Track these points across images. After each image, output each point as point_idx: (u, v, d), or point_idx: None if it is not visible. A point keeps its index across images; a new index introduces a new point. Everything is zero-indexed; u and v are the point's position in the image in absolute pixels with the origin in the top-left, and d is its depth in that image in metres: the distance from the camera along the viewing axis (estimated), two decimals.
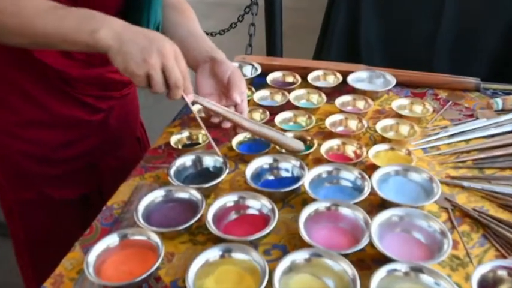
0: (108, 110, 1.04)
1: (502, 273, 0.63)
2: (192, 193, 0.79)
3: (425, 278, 0.62)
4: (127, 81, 1.04)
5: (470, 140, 0.95)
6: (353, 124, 1.00)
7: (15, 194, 1.03)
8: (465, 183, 0.83)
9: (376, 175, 0.81)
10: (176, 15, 1.01)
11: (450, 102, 1.08)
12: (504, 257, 0.69)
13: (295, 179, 0.84)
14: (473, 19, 1.71)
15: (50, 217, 1.05)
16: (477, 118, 1.01)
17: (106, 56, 0.73)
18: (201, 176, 0.87)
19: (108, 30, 0.71)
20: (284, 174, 0.86)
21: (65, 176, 1.03)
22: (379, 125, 0.97)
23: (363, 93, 1.09)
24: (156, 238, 0.69)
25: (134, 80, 0.74)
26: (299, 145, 0.90)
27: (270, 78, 1.16)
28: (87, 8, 0.75)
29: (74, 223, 1.04)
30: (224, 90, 0.88)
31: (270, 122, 1.01)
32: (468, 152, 0.92)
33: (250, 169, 0.85)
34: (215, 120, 0.88)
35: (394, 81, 1.11)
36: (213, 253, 0.67)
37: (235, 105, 0.87)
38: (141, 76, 0.72)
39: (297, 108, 1.05)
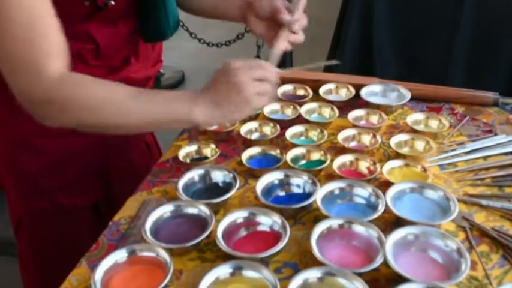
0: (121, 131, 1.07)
1: None
2: (201, 208, 0.81)
3: None
4: (149, 78, 1.07)
5: (488, 156, 0.96)
6: (366, 139, 1.01)
7: (26, 204, 1.06)
8: (484, 202, 0.84)
9: (391, 192, 0.83)
10: None
11: (467, 118, 1.09)
12: None
13: (307, 195, 0.85)
14: (492, 28, 1.73)
15: (59, 226, 1.08)
16: (496, 134, 1.02)
17: (125, 55, 0.85)
18: (210, 191, 0.89)
19: (199, 108, 0.78)
20: (295, 190, 0.88)
21: (76, 183, 1.06)
22: (394, 141, 0.99)
23: (377, 107, 1.11)
24: (164, 255, 0.71)
25: None
26: None
27: (280, 91, 1.18)
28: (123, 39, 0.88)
29: (83, 232, 1.08)
30: (274, 21, 0.92)
31: (281, 137, 1.03)
32: (487, 169, 0.93)
33: (260, 184, 0.87)
34: None
35: (408, 96, 1.13)
36: (223, 270, 0.68)
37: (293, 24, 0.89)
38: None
39: (308, 122, 1.07)
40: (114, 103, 0.80)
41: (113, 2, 0.88)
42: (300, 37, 0.92)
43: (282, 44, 0.90)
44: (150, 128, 0.88)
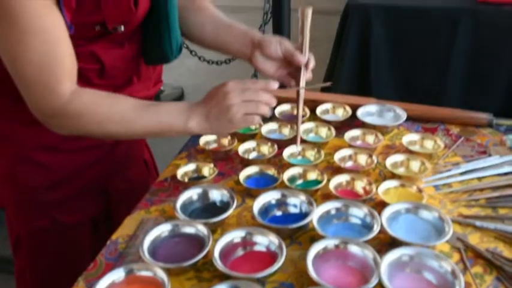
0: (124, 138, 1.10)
1: None
2: (198, 228, 0.81)
3: None
4: (149, 97, 1.09)
5: (483, 177, 0.97)
6: (362, 159, 1.03)
7: (26, 222, 1.07)
8: (478, 223, 0.85)
9: (386, 213, 0.84)
10: (198, 15, 1.08)
11: (462, 138, 1.11)
12: None
13: (304, 215, 0.86)
14: (486, 50, 1.76)
15: (58, 244, 1.09)
16: (490, 155, 1.04)
17: (128, 76, 0.96)
18: (207, 210, 0.90)
19: (194, 121, 0.88)
20: (292, 210, 0.89)
21: (76, 200, 1.08)
22: (389, 161, 1.00)
23: (373, 127, 1.13)
24: (162, 274, 0.71)
25: None
26: None
27: (278, 110, 1.20)
28: (127, 60, 0.97)
29: (81, 249, 1.09)
30: (286, 62, 0.99)
31: (278, 156, 1.05)
32: (481, 190, 0.94)
33: (257, 204, 0.88)
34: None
35: (404, 116, 1.14)
36: None
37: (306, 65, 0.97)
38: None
39: (305, 142, 1.09)
40: (119, 117, 0.88)
41: (122, 28, 0.90)
42: (310, 74, 0.99)
43: (303, 84, 0.97)
44: (150, 136, 0.97)
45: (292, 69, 1.00)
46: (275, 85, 0.92)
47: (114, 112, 0.88)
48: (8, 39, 0.80)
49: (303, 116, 1.18)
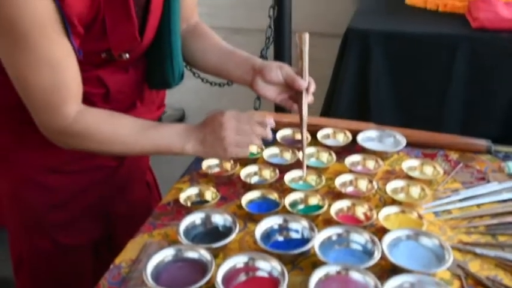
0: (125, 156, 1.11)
1: None
2: (201, 253, 0.82)
3: None
4: (154, 120, 1.11)
5: (482, 204, 0.98)
6: (363, 185, 1.04)
7: (29, 243, 1.07)
8: (478, 250, 0.86)
9: (387, 239, 0.85)
10: (200, 42, 1.11)
11: (461, 164, 1.12)
12: None
13: (305, 240, 0.87)
14: (484, 78, 1.79)
15: (60, 265, 1.10)
16: (489, 181, 1.05)
17: (132, 100, 1.01)
18: (210, 234, 0.90)
19: (190, 144, 0.93)
20: (294, 235, 0.90)
21: (78, 222, 1.09)
22: (389, 187, 1.01)
23: (373, 153, 1.14)
24: None
25: None
26: None
27: (279, 135, 1.21)
28: (132, 85, 1.01)
29: (83, 271, 1.10)
30: (286, 86, 1.02)
31: (280, 181, 1.06)
32: (480, 217, 0.95)
33: (259, 229, 0.88)
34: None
35: (404, 142, 1.16)
36: None
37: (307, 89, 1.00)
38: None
39: (306, 166, 1.09)
40: (120, 138, 0.93)
41: (127, 55, 0.92)
42: (312, 98, 1.02)
43: (305, 108, 1.00)
44: (150, 154, 1.05)
45: (293, 93, 1.02)
46: (271, 121, 0.95)
47: (116, 133, 0.93)
48: (20, 63, 0.83)
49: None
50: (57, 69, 0.84)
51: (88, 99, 0.94)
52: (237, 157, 0.97)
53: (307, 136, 1.19)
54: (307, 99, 1.00)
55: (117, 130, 0.93)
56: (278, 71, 1.00)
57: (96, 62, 0.93)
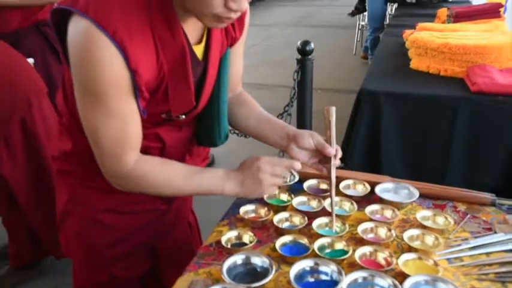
0: (174, 198, 1.15)
1: None
2: None
3: None
4: None
5: (491, 253, 0.99)
6: (382, 232, 1.05)
7: (89, 276, 1.10)
8: None
9: (407, 284, 0.85)
10: (242, 109, 1.16)
11: (469, 215, 1.13)
12: None
13: (334, 282, 0.88)
14: (483, 136, 1.80)
15: None
16: (495, 232, 1.05)
17: (182, 153, 1.09)
18: (249, 274, 0.92)
19: (229, 186, 0.99)
20: (323, 277, 0.91)
21: (130, 257, 1.12)
22: (406, 235, 1.02)
23: (389, 203, 1.16)
24: None
25: None
26: None
27: (306, 184, 1.24)
28: (184, 141, 1.07)
29: None
30: (316, 151, 1.07)
31: (308, 226, 1.07)
32: (490, 265, 0.95)
33: (293, 271, 0.90)
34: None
35: (417, 194, 1.17)
36: None
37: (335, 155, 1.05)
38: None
39: (330, 214, 1.11)
40: (169, 183, 0.98)
41: (183, 117, 0.98)
42: (339, 162, 1.06)
43: (333, 171, 1.05)
44: (195, 195, 1.08)
45: (322, 157, 1.06)
46: (299, 166, 1.00)
47: (167, 179, 0.97)
48: (94, 116, 0.89)
49: (327, 191, 1.22)
50: (123, 123, 0.90)
51: (147, 152, 0.99)
52: (268, 194, 1.04)
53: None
54: (335, 164, 1.04)
55: (168, 176, 0.97)
56: (310, 138, 1.05)
57: (156, 121, 0.99)
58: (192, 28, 0.92)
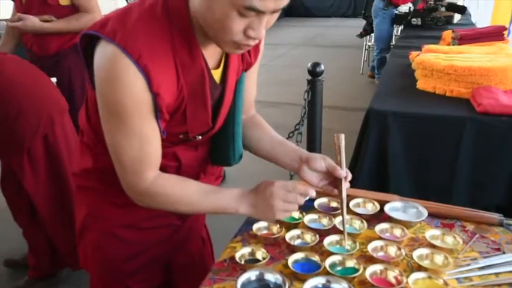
0: (188, 215, 1.15)
1: None
2: None
3: None
4: None
5: (500, 273, 0.97)
6: (392, 251, 1.04)
7: None
8: None
9: None
10: (256, 132, 1.17)
11: (477, 235, 1.11)
12: None
13: None
14: (488, 155, 1.79)
15: None
16: (504, 252, 1.04)
17: (197, 172, 1.09)
18: None
19: (243, 207, 0.99)
20: None
21: (146, 270, 1.12)
22: (416, 254, 1.01)
23: (398, 221, 1.15)
24: None
25: None
26: None
27: (317, 203, 1.24)
28: (199, 160, 1.07)
29: None
30: (327, 174, 1.07)
31: (319, 243, 1.07)
32: (499, 285, 0.93)
33: None
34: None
35: (426, 213, 1.16)
36: None
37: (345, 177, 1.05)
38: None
39: (341, 232, 1.11)
40: (186, 200, 0.98)
41: (200, 137, 0.99)
42: (349, 184, 1.06)
43: (344, 192, 1.05)
44: (210, 213, 1.07)
45: (332, 180, 1.07)
46: (313, 193, 0.99)
47: (184, 195, 0.98)
48: (116, 134, 0.90)
49: (337, 209, 1.21)
50: (144, 143, 0.91)
51: (164, 171, 1.00)
52: (280, 219, 1.02)
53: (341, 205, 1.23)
54: (345, 186, 1.05)
55: (184, 193, 0.98)
56: (322, 161, 1.05)
57: (174, 141, 1.00)
58: (211, 53, 0.94)
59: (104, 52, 0.83)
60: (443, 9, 4.36)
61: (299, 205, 0.99)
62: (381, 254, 1.04)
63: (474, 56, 2.19)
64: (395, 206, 1.21)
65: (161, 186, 0.96)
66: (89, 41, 0.87)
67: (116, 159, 0.93)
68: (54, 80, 2.11)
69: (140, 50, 0.82)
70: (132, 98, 0.84)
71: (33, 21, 2.21)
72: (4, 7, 3.63)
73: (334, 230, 1.11)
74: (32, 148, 1.86)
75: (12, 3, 2.43)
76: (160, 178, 0.96)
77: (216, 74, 0.97)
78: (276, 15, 0.85)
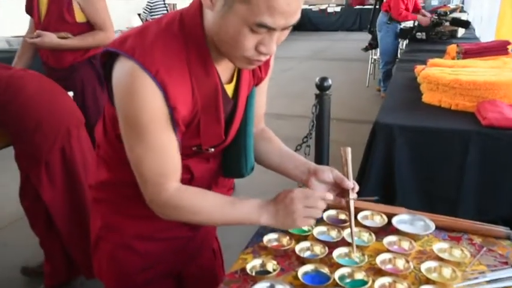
0: (201, 226, 1.15)
1: None
2: None
3: None
4: None
5: (508, 287, 0.96)
6: (400, 263, 1.03)
7: None
8: None
9: None
10: (265, 145, 1.17)
11: (485, 249, 1.10)
12: None
13: None
14: (494, 167, 1.77)
15: None
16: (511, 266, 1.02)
17: (209, 183, 1.08)
18: None
19: (264, 217, 0.98)
20: None
21: (158, 281, 1.12)
22: (424, 267, 1.00)
23: (406, 234, 1.14)
24: None
25: None
26: None
27: (325, 215, 1.23)
28: (211, 172, 1.06)
29: None
30: (335, 185, 1.07)
31: (328, 256, 1.07)
32: None
33: None
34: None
35: (433, 226, 1.15)
36: None
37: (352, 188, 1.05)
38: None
39: (350, 244, 1.10)
40: (206, 211, 0.98)
41: (212, 150, 1.00)
42: (356, 195, 1.06)
43: (352, 203, 1.05)
44: (229, 225, 1.04)
45: (339, 191, 1.07)
46: (331, 197, 0.99)
47: (203, 207, 0.98)
48: (137, 147, 0.91)
49: (346, 221, 1.21)
50: (164, 155, 0.92)
51: None
52: (303, 226, 1.01)
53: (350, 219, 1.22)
54: (353, 196, 1.05)
55: (204, 204, 0.98)
56: (329, 173, 1.06)
57: (187, 153, 1.01)
58: (224, 68, 0.96)
59: (123, 68, 0.85)
60: (447, 23, 4.37)
61: (321, 210, 0.99)
62: (389, 266, 1.03)
63: (479, 70, 2.18)
64: (402, 219, 1.20)
65: (182, 198, 0.96)
66: (108, 57, 0.89)
67: (137, 171, 0.94)
68: (71, 94, 2.15)
69: (158, 65, 0.84)
70: (150, 111, 0.86)
71: (51, 38, 2.27)
72: (18, 24, 3.72)
73: (342, 242, 1.11)
74: (49, 160, 1.88)
75: (26, 19, 2.49)
76: (181, 190, 0.97)
77: (229, 89, 0.99)
78: (287, 32, 0.86)
